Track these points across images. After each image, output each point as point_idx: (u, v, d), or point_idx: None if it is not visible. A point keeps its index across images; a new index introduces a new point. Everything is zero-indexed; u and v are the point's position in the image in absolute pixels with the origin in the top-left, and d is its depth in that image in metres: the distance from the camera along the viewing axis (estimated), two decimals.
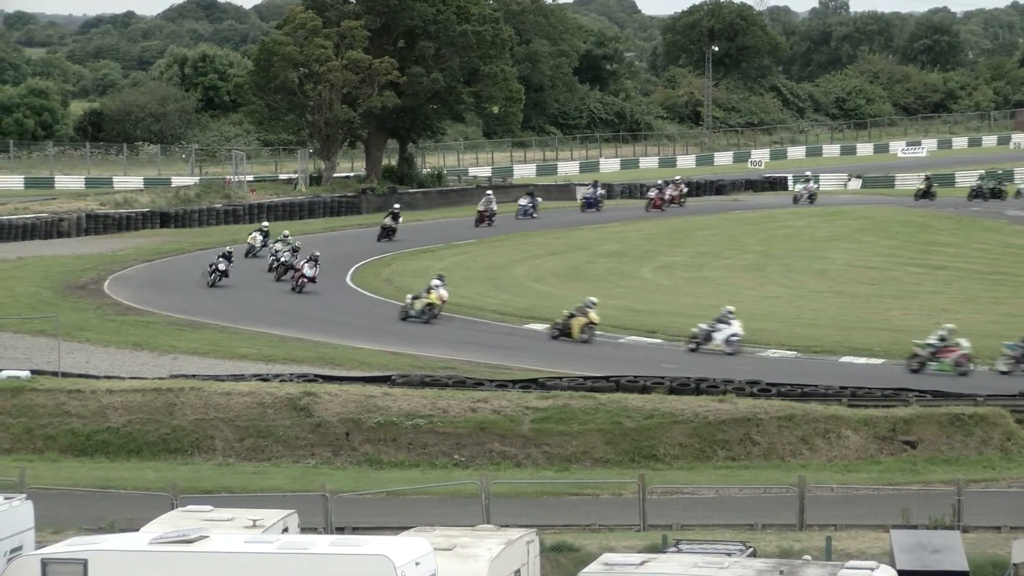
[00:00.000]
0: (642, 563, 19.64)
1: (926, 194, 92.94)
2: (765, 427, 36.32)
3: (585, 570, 19.79)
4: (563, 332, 50.31)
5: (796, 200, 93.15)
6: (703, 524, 29.92)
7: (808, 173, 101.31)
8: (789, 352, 48.12)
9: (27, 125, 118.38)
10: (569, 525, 29.92)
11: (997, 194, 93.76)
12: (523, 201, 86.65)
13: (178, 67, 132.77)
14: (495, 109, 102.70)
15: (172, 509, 25.24)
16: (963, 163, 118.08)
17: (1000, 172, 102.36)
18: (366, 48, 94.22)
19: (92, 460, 36.70)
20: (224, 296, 59.84)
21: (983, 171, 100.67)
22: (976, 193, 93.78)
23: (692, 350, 48.37)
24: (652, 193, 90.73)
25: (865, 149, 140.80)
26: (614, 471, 34.79)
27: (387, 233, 75.50)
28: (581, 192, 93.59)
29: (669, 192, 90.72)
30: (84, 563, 19.42)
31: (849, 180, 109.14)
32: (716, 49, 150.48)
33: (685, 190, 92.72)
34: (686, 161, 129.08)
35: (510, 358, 46.91)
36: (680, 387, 39.54)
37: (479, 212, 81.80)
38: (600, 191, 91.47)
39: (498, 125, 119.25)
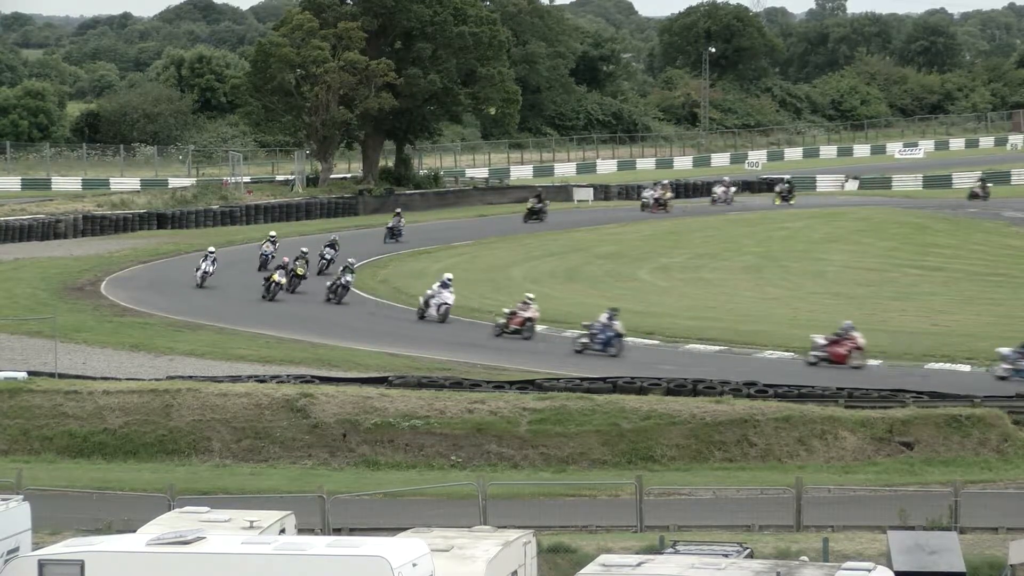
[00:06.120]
0: (639, 564, 19.61)
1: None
2: (762, 428, 36.29)
3: (582, 571, 19.76)
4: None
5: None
6: (700, 525, 29.90)
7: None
8: (786, 353, 48.14)
9: (23, 127, 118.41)
10: (566, 526, 29.89)
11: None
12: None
13: (175, 68, 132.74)
14: (492, 110, 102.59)
15: (169, 510, 25.20)
16: (960, 164, 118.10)
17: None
18: (363, 49, 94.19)
19: (89, 461, 36.66)
20: (221, 298, 59.81)
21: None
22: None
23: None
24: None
25: (862, 150, 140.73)
26: (611, 472, 34.76)
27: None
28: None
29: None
30: (81, 564, 19.39)
31: (846, 181, 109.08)
32: (713, 50, 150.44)
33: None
34: (683, 162, 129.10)
35: (508, 359, 46.90)
36: (677, 388, 39.51)
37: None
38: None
39: (495, 126, 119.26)
